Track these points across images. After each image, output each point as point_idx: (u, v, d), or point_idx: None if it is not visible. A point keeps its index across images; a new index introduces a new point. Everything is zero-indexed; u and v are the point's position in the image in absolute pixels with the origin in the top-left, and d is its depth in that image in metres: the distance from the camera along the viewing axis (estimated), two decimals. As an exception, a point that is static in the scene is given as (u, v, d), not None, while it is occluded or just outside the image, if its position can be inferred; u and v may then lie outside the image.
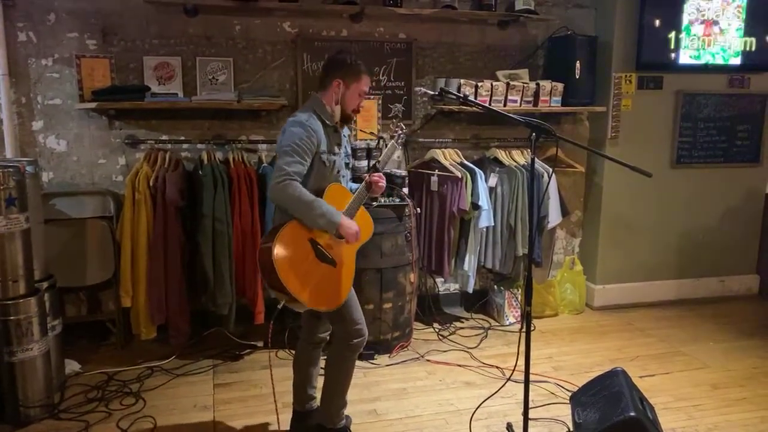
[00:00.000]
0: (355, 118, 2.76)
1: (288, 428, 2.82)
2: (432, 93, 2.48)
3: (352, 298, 2.60)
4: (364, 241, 2.65)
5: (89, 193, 3.71)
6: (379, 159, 2.73)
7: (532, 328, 2.48)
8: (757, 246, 4.93)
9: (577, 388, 2.94)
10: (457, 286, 4.41)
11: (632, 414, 2.33)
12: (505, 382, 2.87)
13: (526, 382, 2.44)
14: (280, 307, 2.37)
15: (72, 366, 3.40)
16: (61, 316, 3.23)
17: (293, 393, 2.80)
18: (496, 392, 2.86)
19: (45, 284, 3.06)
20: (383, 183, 2.61)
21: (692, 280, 4.78)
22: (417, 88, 2.65)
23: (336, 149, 2.57)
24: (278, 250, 2.29)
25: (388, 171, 3.79)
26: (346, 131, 2.70)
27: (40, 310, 2.92)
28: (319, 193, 2.45)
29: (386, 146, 2.77)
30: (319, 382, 2.79)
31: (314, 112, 2.50)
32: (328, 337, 2.76)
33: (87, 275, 3.63)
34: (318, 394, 2.83)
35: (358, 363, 3.52)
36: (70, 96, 3.65)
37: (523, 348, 2.40)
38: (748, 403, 3.16)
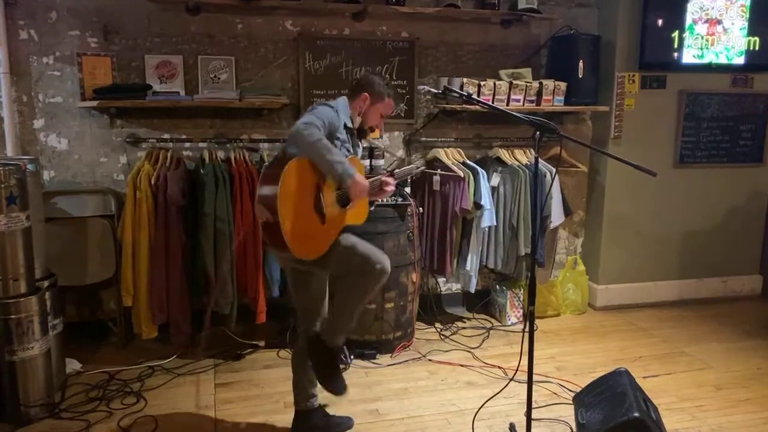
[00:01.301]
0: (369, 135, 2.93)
1: (290, 427, 2.81)
2: (435, 91, 2.47)
3: (360, 243, 2.55)
4: (355, 222, 2.66)
5: (90, 191, 3.70)
6: (399, 168, 2.84)
7: (534, 328, 2.46)
8: (760, 246, 4.91)
9: (580, 389, 2.93)
10: (458, 285, 4.39)
11: (636, 415, 2.32)
12: (508, 382, 2.86)
13: (530, 383, 2.42)
14: (261, 222, 2.35)
15: (73, 365, 3.39)
16: (61, 315, 3.22)
17: (293, 392, 2.79)
18: (499, 392, 2.85)
19: (46, 283, 3.04)
20: (391, 190, 2.69)
21: (695, 281, 4.76)
22: (420, 87, 2.66)
23: (350, 148, 2.68)
24: (289, 170, 2.30)
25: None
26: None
27: (40, 308, 2.91)
28: None
29: (408, 165, 2.99)
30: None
31: (338, 108, 2.62)
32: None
33: (88, 274, 3.62)
34: (318, 393, 2.82)
35: (359, 363, 3.56)
36: (72, 94, 3.63)
37: (526, 348, 2.39)
38: (752, 404, 3.14)
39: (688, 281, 4.75)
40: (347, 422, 2.87)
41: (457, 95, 2.38)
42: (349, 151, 2.65)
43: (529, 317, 2.39)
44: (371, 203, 2.83)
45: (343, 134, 2.61)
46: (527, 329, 2.40)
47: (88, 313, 3.82)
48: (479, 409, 2.86)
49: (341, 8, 3.85)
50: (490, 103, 3.81)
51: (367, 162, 3.76)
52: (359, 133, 2.78)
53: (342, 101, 2.70)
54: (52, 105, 3.65)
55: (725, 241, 4.78)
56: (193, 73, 3.78)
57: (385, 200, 3.59)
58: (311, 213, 2.44)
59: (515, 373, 2.77)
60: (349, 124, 2.67)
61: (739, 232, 4.80)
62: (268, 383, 3.28)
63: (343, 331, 2.62)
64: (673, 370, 3.54)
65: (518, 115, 2.36)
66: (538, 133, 2.30)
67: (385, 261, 2.52)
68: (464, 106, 3.90)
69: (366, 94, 2.69)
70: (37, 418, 2.89)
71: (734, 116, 4.63)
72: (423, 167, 3.07)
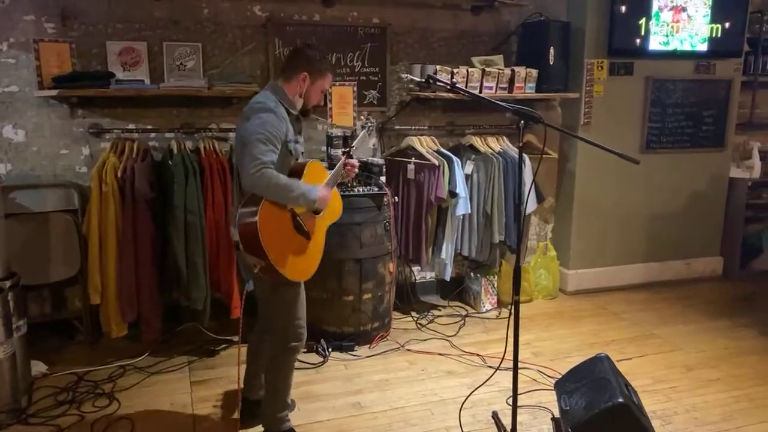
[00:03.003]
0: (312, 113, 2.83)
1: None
2: (419, 80, 2.43)
3: (302, 295, 2.59)
4: (334, 220, 2.70)
5: (51, 185, 3.52)
6: (353, 145, 2.79)
7: (510, 315, 2.44)
8: (721, 229, 5.06)
9: (558, 374, 2.96)
10: (433, 274, 4.39)
11: (621, 400, 2.35)
12: (494, 372, 2.85)
13: (515, 371, 2.43)
14: (256, 271, 2.35)
15: (38, 367, 3.24)
16: (25, 316, 3.06)
17: (245, 381, 2.79)
18: (485, 382, 2.85)
19: (8, 283, 2.88)
20: (356, 170, 2.70)
21: (660, 264, 4.88)
22: (404, 75, 2.62)
23: (299, 137, 2.60)
24: (263, 216, 2.29)
25: (365, 160, 3.74)
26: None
27: (4, 310, 2.77)
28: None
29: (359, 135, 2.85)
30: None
31: (278, 100, 2.47)
32: None
33: (51, 272, 3.45)
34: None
35: (339, 355, 3.52)
36: (28, 83, 3.44)
37: (505, 336, 2.39)
38: (723, 383, 3.24)
39: (654, 264, 4.86)
40: (291, 405, 2.87)
41: (442, 84, 2.34)
42: (299, 142, 2.57)
43: (514, 306, 2.38)
44: (341, 184, 2.85)
45: (291, 132, 2.48)
46: (512, 315, 2.39)
47: (52, 313, 3.66)
48: (466, 399, 2.85)
49: (311, -7, 3.76)
50: (469, 91, 3.80)
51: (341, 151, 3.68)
52: (302, 114, 2.62)
53: (276, 90, 2.50)
54: (7, 94, 3.45)
55: (688, 225, 4.90)
56: (158, 61, 3.63)
57: (361, 190, 3.55)
58: (296, 238, 2.47)
59: (501, 363, 2.77)
60: (294, 111, 2.53)
61: (701, 215, 4.93)
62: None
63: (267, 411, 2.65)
64: (645, 352, 3.62)
65: (502, 104, 2.35)
66: (522, 122, 2.29)
67: (302, 336, 2.57)
68: (438, 93, 3.86)
69: (305, 73, 2.50)
70: (5, 425, 2.75)
71: (697, 102, 4.73)
72: (371, 123, 2.94)
